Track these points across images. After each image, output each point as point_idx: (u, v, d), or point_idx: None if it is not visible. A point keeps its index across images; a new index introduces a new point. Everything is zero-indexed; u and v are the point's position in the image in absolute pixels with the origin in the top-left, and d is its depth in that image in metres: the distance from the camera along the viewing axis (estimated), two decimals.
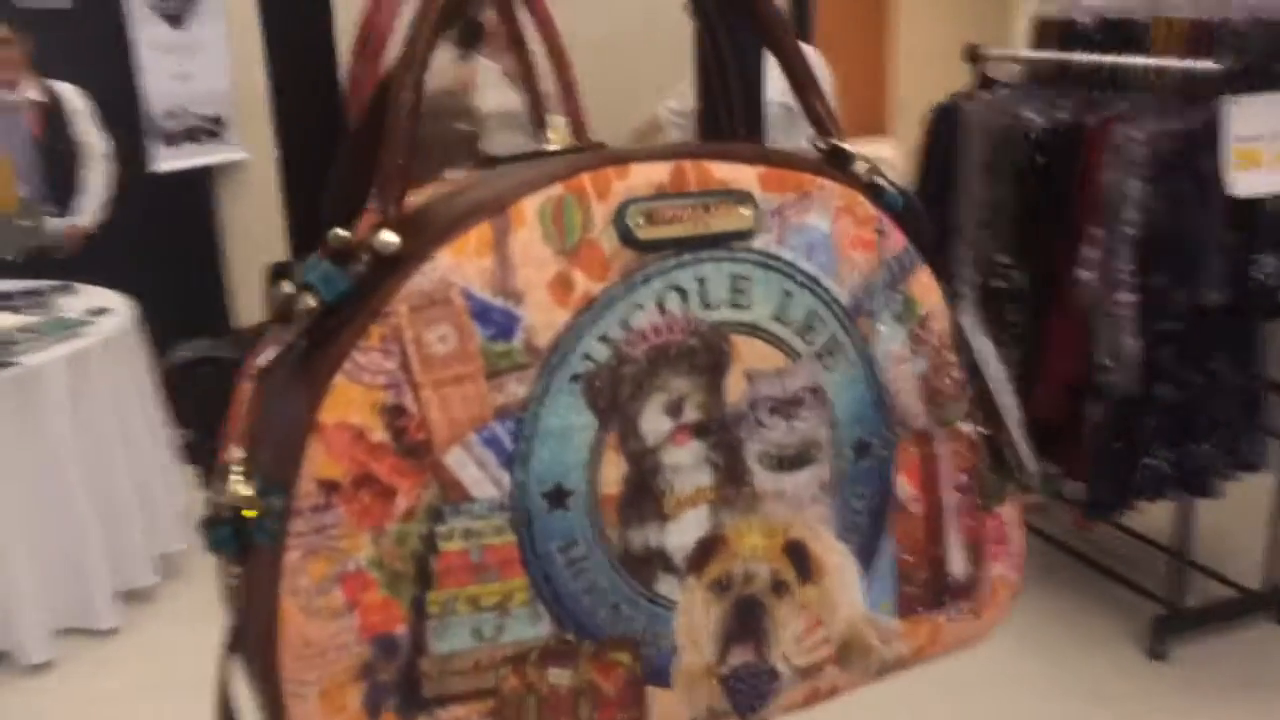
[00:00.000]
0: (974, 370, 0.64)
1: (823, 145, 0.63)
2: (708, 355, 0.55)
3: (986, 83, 3.66)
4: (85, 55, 4.41)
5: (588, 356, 0.53)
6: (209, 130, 5.03)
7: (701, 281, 0.55)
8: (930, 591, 0.63)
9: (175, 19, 4.89)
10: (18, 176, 4.06)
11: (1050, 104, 3.13)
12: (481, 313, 0.51)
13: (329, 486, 0.50)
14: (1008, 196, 3.34)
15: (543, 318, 0.52)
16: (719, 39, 0.68)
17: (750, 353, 0.56)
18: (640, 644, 0.55)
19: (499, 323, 0.51)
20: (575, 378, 0.52)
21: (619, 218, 0.53)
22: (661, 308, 0.54)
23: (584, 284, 0.53)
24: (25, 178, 4.09)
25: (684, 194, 0.55)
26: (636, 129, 4.01)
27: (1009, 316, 3.38)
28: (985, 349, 0.66)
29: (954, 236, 3.50)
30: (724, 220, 0.56)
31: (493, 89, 3.57)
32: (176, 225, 4.90)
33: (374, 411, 0.50)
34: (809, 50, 3.75)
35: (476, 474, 0.51)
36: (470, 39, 3.35)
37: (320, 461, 0.49)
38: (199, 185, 5.09)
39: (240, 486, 0.52)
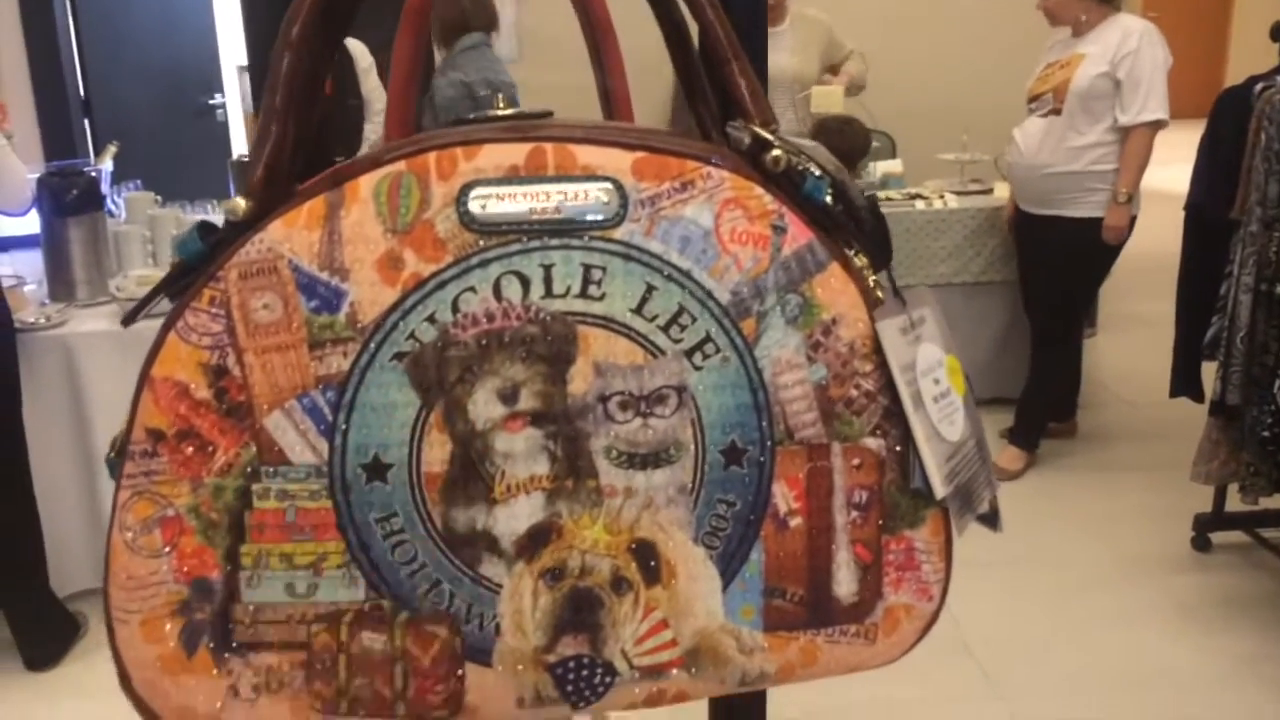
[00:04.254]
0: (891, 384, 0.60)
1: (741, 130, 0.60)
2: (549, 344, 0.55)
3: None
4: (367, 13, 4.70)
5: (412, 336, 0.53)
6: None
7: (547, 269, 0.54)
8: (806, 610, 0.60)
9: None
10: None
11: None
12: (307, 285, 0.53)
13: (156, 435, 0.53)
14: None
15: (368, 295, 0.53)
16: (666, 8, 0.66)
17: (601, 345, 0.55)
18: (460, 621, 0.56)
19: (324, 296, 0.53)
20: (399, 356, 0.53)
21: (460, 199, 0.54)
22: (498, 293, 0.54)
23: (414, 264, 0.53)
24: None
25: (537, 178, 0.55)
26: None
27: None
28: (929, 358, 0.59)
29: (1235, 234, 3.19)
30: (580, 207, 0.55)
31: None
32: None
33: (199, 370, 0.53)
34: (1140, 27, 3.54)
35: (295, 439, 0.54)
36: None
37: (150, 411, 0.53)
38: None
39: (122, 429, 0.57)
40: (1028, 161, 3.75)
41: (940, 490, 0.60)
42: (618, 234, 0.55)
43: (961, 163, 4.46)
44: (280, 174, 0.56)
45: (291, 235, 0.53)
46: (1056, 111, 3.65)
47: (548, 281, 0.54)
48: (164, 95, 5.66)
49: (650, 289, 0.56)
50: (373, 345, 0.53)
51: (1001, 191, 4.20)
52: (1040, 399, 3.96)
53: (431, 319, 0.53)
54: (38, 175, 2.93)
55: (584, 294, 0.55)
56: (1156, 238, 4.11)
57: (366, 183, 0.53)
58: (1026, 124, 3.78)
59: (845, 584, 0.60)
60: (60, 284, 2.98)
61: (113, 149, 3.45)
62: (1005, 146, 3.87)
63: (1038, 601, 3.08)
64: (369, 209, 0.53)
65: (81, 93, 5.28)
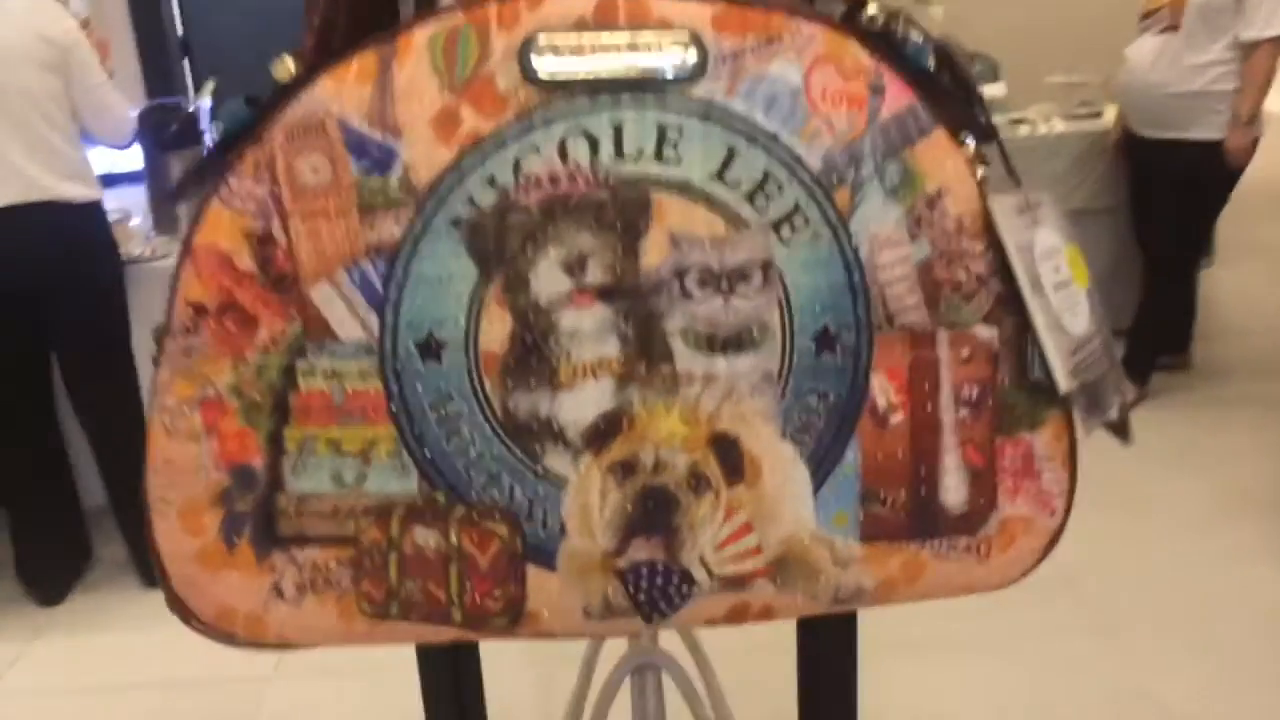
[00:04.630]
0: (1005, 267, 0.53)
1: None
2: (619, 211, 0.49)
3: None
4: None
5: (471, 200, 0.48)
6: None
7: (618, 128, 0.49)
8: (909, 518, 0.54)
9: None
10: None
11: None
12: (357, 144, 0.48)
13: (198, 309, 0.49)
14: None
15: (423, 154, 0.48)
16: None
17: (678, 214, 0.50)
18: (521, 518, 0.51)
19: (375, 156, 0.48)
20: (456, 222, 0.49)
21: (523, 51, 0.48)
22: (564, 154, 0.49)
23: (473, 121, 0.48)
24: None
25: (608, 29, 0.49)
26: None
27: None
28: (1048, 242, 0.52)
29: None
30: (654, 62, 0.49)
31: None
32: None
33: (242, 238, 0.49)
34: None
35: (343, 313, 0.49)
36: None
37: (191, 284, 0.49)
38: None
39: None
40: (1142, 82, 3.55)
41: (1064, 384, 0.53)
42: (696, 91, 0.49)
43: (1070, 85, 4.26)
44: (334, 40, 0.52)
45: (341, 91, 0.48)
46: (1173, 28, 3.45)
47: (618, 142, 0.49)
48: (260, 35, 5.71)
49: (732, 152, 0.50)
50: (427, 210, 0.48)
51: (1110, 115, 4.00)
52: (1153, 330, 3.78)
53: (491, 181, 0.48)
54: (138, 111, 2.95)
55: (659, 156, 0.49)
56: (1277, 161, 3.88)
57: (421, 34, 0.48)
58: (1140, 42, 3.58)
59: (954, 490, 0.54)
60: (164, 217, 3.02)
61: (211, 85, 3.47)
62: (1116, 67, 3.68)
63: (1146, 538, 2.95)
64: (424, 62, 0.48)
65: (180, 32, 5.35)
